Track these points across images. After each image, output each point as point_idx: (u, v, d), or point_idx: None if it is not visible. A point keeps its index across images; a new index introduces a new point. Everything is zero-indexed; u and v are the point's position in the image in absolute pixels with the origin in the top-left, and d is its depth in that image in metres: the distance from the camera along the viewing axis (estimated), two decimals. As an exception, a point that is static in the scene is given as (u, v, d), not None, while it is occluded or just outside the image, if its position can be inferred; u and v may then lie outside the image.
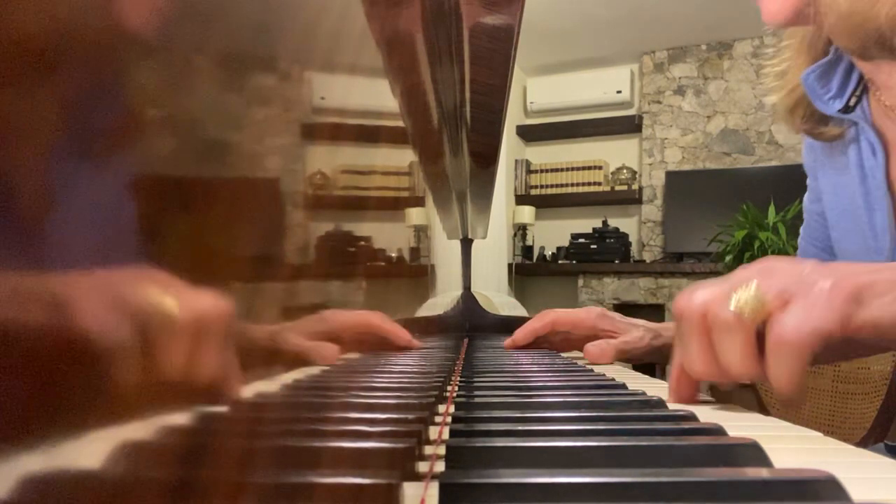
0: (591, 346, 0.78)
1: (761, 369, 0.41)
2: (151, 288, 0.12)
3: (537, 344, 0.88)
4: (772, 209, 3.18)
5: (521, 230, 4.22)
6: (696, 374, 0.44)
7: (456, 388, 0.49)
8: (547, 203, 4.29)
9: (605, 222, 4.08)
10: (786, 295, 0.40)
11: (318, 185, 0.27)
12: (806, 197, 0.85)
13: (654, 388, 0.56)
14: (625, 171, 4.16)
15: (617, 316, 0.83)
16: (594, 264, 3.98)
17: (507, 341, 0.88)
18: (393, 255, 0.58)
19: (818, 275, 0.41)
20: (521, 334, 0.87)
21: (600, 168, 4.19)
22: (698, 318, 0.43)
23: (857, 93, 0.69)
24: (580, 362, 0.74)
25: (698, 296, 0.43)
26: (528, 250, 4.25)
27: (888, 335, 0.40)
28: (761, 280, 0.41)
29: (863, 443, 1.39)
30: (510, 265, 4.10)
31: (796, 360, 0.39)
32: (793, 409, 0.40)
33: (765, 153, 3.85)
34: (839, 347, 0.42)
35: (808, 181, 0.83)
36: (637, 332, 0.80)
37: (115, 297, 0.11)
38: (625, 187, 4.13)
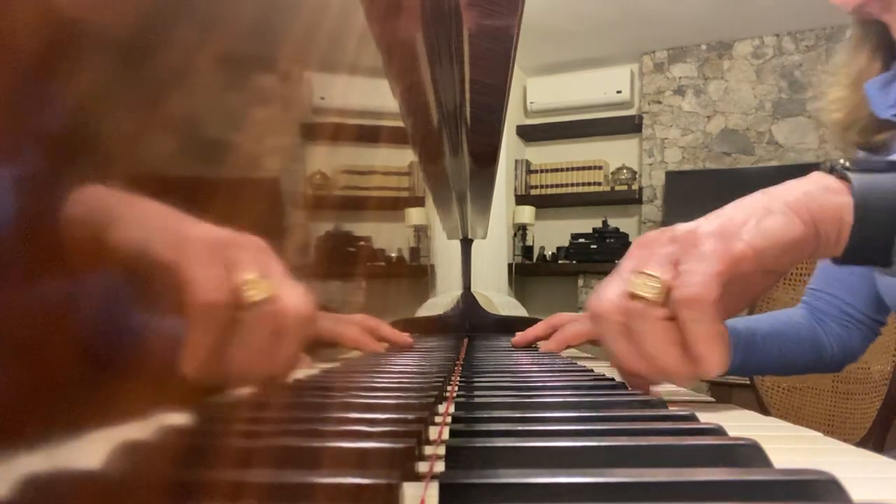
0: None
1: (684, 356, 0.41)
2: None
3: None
4: (772, 209, 3.18)
5: (521, 230, 4.22)
6: (629, 371, 0.44)
7: (456, 388, 0.49)
8: (547, 203, 4.28)
9: (605, 222, 4.08)
10: (671, 262, 0.41)
11: (318, 185, 0.27)
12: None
13: (654, 387, 0.56)
14: (625, 171, 4.16)
15: None
16: (594, 264, 3.98)
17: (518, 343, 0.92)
18: (393, 255, 0.58)
19: (685, 230, 0.42)
20: (552, 345, 0.89)
21: (600, 168, 4.18)
22: (613, 316, 0.43)
23: None
24: (580, 362, 0.74)
25: (605, 294, 0.44)
26: (528, 250, 4.25)
27: (765, 258, 0.41)
28: (646, 260, 0.42)
29: (863, 443, 1.39)
30: (510, 265, 4.10)
31: (707, 314, 0.39)
32: (717, 374, 0.40)
33: (765, 153, 3.85)
34: (740, 289, 0.43)
35: None
36: None
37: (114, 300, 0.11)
38: (625, 187, 4.13)
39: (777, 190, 0.43)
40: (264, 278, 0.13)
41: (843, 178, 0.43)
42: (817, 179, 0.44)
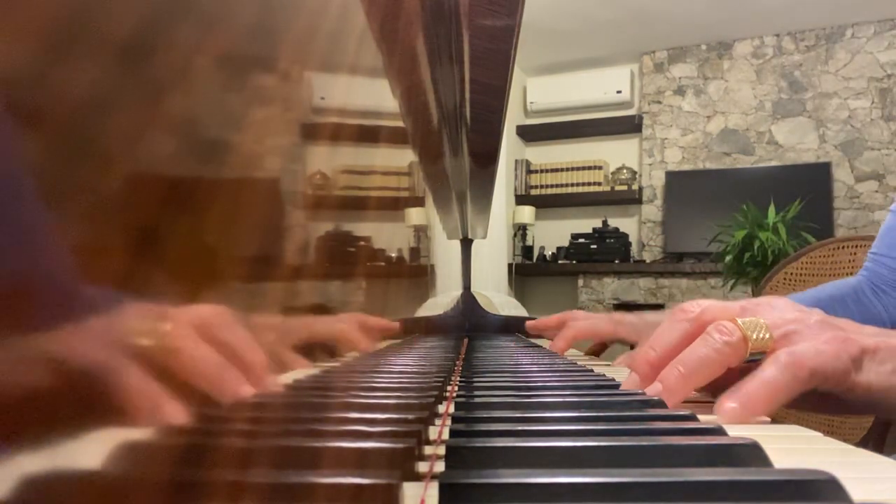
0: (623, 360, 0.77)
1: (713, 386, 0.41)
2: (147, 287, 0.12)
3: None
4: (772, 209, 3.18)
5: (521, 230, 4.22)
6: (655, 353, 0.44)
7: (456, 388, 0.49)
8: (547, 203, 4.29)
9: (605, 222, 4.08)
10: (791, 335, 0.40)
11: (318, 185, 0.27)
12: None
13: (654, 387, 0.56)
14: (625, 171, 4.16)
15: (634, 319, 0.83)
16: (594, 264, 3.98)
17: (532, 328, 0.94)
18: (393, 255, 0.58)
19: (826, 325, 0.41)
20: (561, 342, 0.88)
21: (600, 168, 4.19)
22: (697, 319, 0.43)
23: None
24: (580, 362, 0.74)
25: (707, 305, 0.43)
26: (528, 250, 4.25)
27: (875, 401, 0.40)
28: (770, 317, 0.41)
29: (863, 443, 1.39)
30: (510, 265, 4.10)
31: (789, 382, 0.38)
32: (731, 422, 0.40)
33: (765, 153, 3.85)
34: (818, 397, 0.42)
35: None
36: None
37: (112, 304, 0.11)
38: (625, 187, 4.13)
39: None
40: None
41: None
42: None
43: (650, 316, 0.85)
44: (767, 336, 0.40)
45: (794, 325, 0.41)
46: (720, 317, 0.42)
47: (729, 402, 0.38)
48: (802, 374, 0.38)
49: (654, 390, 0.42)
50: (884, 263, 0.84)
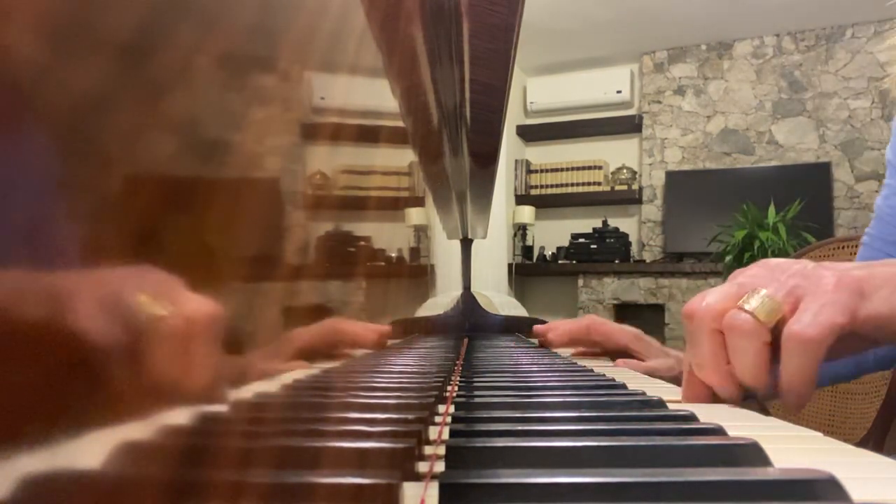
0: (622, 362, 0.79)
1: (771, 377, 0.41)
2: (145, 289, 0.12)
3: (570, 345, 0.91)
4: (772, 209, 3.19)
5: (521, 230, 4.22)
6: (707, 378, 0.43)
7: (456, 388, 0.49)
8: (547, 203, 4.29)
9: (605, 222, 4.08)
10: (795, 294, 0.41)
11: (318, 185, 0.27)
12: (885, 197, 0.82)
13: (655, 388, 0.56)
14: (625, 171, 4.16)
15: (653, 342, 0.83)
16: (594, 264, 3.98)
17: (541, 335, 0.92)
18: (393, 255, 0.58)
19: (820, 271, 0.42)
20: (555, 335, 0.89)
21: (600, 168, 4.19)
22: (710, 321, 0.43)
23: None
24: (580, 362, 0.74)
25: (711, 299, 0.43)
26: (528, 250, 4.25)
27: (886, 327, 0.41)
28: (768, 282, 0.42)
29: (863, 443, 1.39)
30: (510, 265, 4.10)
31: (812, 355, 0.39)
32: (794, 413, 0.42)
33: (765, 153, 3.85)
34: (845, 343, 0.42)
35: (889, 179, 0.81)
36: (668, 361, 0.80)
37: (111, 297, 0.11)
38: (625, 187, 4.13)
39: None
40: (156, 297, 0.13)
41: None
42: None
43: (656, 344, 0.85)
44: (776, 305, 0.41)
45: (794, 281, 0.42)
46: (725, 308, 0.42)
47: (786, 398, 0.40)
48: (815, 348, 0.39)
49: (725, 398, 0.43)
50: (881, 249, 0.83)
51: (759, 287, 0.42)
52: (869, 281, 0.41)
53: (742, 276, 0.44)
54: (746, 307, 0.41)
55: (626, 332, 0.84)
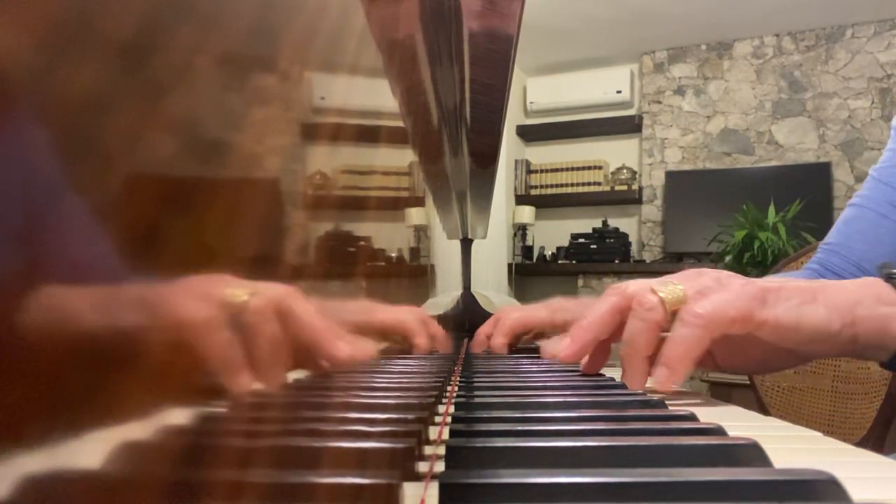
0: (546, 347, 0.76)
1: (651, 355, 0.45)
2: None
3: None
4: (772, 209, 3.19)
5: (521, 230, 4.22)
6: (578, 329, 0.49)
7: (456, 388, 0.49)
8: (547, 203, 4.29)
9: (605, 222, 4.08)
10: (703, 293, 0.45)
11: (318, 185, 0.27)
12: (884, 161, 0.85)
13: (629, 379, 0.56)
14: (625, 171, 4.16)
15: (573, 305, 0.80)
16: (594, 264, 3.98)
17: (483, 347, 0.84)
18: (393, 255, 0.58)
19: (733, 279, 0.46)
20: (499, 339, 0.82)
21: (600, 168, 4.19)
22: (619, 297, 0.48)
23: None
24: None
25: (631, 284, 0.49)
26: (528, 250, 4.25)
27: (787, 335, 0.44)
28: (683, 279, 0.47)
29: (863, 443, 1.39)
30: (510, 265, 4.10)
31: (698, 331, 0.43)
32: (664, 392, 0.46)
33: (765, 153, 3.85)
34: (743, 343, 0.47)
35: (893, 144, 0.84)
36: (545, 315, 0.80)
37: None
38: (625, 187, 4.13)
39: (833, 287, 0.45)
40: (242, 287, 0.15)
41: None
42: (872, 287, 0.45)
43: (588, 300, 0.83)
44: (682, 294, 0.46)
45: (707, 283, 0.46)
46: (642, 289, 0.47)
47: (658, 370, 0.44)
48: (703, 323, 0.43)
49: (631, 383, 0.47)
50: (835, 252, 0.85)
51: (675, 282, 0.47)
52: (776, 292, 0.44)
53: (671, 276, 0.49)
54: (659, 291, 0.46)
55: (546, 308, 0.80)
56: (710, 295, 0.44)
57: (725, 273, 0.47)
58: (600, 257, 3.97)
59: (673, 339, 0.44)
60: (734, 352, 0.49)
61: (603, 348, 0.51)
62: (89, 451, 0.10)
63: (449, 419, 0.35)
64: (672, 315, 0.45)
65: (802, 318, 0.43)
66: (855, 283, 0.46)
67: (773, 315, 0.43)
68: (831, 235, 0.89)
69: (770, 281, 0.45)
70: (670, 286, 0.46)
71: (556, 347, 0.51)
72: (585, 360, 0.51)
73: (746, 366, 0.49)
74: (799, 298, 0.44)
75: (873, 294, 0.45)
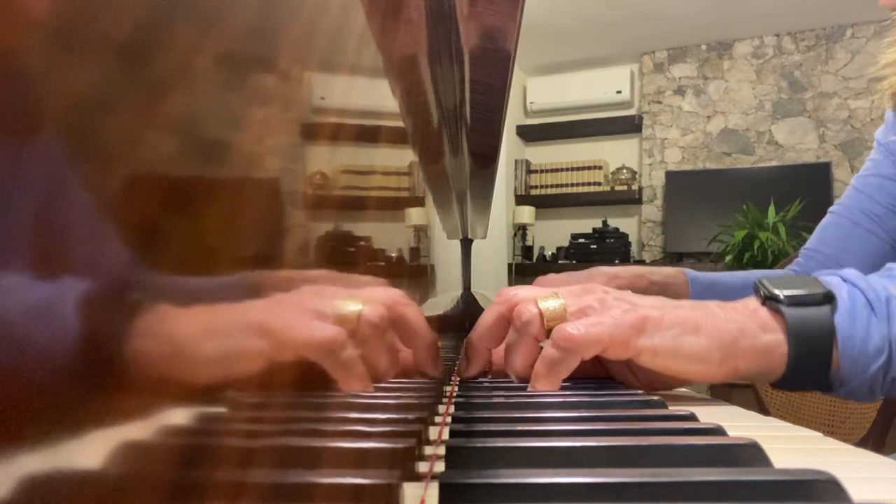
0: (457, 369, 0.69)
1: (527, 365, 0.47)
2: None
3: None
4: (772, 209, 3.19)
5: (521, 230, 4.22)
6: (473, 344, 0.51)
7: (456, 389, 0.49)
8: (547, 203, 4.29)
9: (605, 222, 4.08)
10: (584, 312, 0.46)
11: (318, 185, 0.27)
12: (864, 170, 0.90)
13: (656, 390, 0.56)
14: (625, 171, 4.16)
15: (562, 279, 0.81)
16: (594, 264, 3.96)
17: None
18: (393, 255, 0.58)
19: (618, 303, 0.47)
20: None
21: (600, 168, 4.18)
22: (504, 306, 0.49)
23: None
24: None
25: (521, 293, 0.50)
26: (528, 250, 4.25)
27: (665, 364, 0.45)
28: (573, 297, 0.48)
29: (863, 443, 1.39)
30: (510, 265, 4.10)
31: (566, 353, 0.44)
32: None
33: (765, 153, 3.85)
34: (623, 368, 0.50)
35: (877, 154, 0.89)
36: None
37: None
38: (625, 187, 4.13)
39: (715, 317, 0.46)
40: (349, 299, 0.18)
41: (778, 311, 0.45)
42: (753, 315, 0.46)
43: (575, 274, 0.83)
44: (562, 310, 0.46)
45: (589, 301, 0.47)
46: (526, 299, 0.48)
47: (535, 380, 0.46)
48: (571, 347, 0.44)
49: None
50: (813, 257, 0.88)
51: (562, 295, 0.47)
52: (657, 321, 0.45)
53: (561, 287, 0.50)
54: (540, 304, 0.47)
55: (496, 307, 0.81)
56: (590, 316, 0.46)
57: (615, 293, 0.48)
58: (600, 257, 3.97)
59: (542, 357, 0.45)
60: (627, 372, 0.50)
61: (492, 357, 0.53)
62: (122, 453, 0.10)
63: (449, 419, 0.35)
64: (549, 330, 0.46)
65: (680, 349, 0.44)
66: (736, 311, 0.46)
67: (650, 344, 0.44)
68: (810, 241, 0.91)
69: (655, 308, 0.46)
70: (552, 301, 0.47)
71: (460, 370, 0.53)
72: (475, 373, 0.52)
73: (637, 385, 0.50)
74: (680, 328, 0.45)
75: (756, 323, 0.45)
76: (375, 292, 0.38)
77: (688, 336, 0.45)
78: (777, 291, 0.45)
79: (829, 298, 0.44)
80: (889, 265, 0.48)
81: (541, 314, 0.46)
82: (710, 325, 0.45)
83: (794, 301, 0.44)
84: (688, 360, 0.44)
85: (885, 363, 0.43)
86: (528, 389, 0.46)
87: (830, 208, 0.91)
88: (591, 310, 0.46)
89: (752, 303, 0.47)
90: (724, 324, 0.45)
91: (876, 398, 0.45)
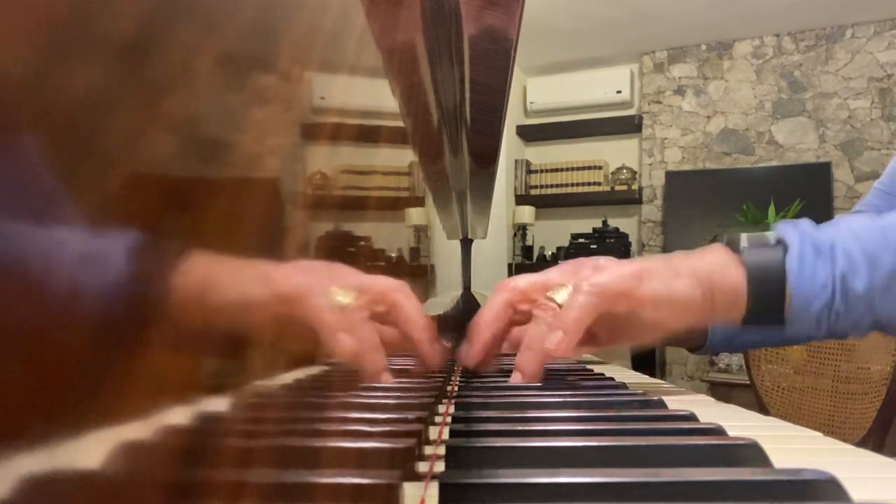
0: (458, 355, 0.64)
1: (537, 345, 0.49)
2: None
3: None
4: (772, 209, 3.18)
5: (521, 230, 4.22)
6: (478, 327, 0.53)
7: (456, 388, 0.49)
8: (547, 203, 4.28)
9: (605, 222, 4.08)
10: (576, 273, 0.50)
11: (318, 185, 0.27)
12: (884, 181, 0.89)
13: (656, 389, 0.56)
14: (625, 171, 4.16)
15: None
16: (594, 264, 3.97)
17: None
18: (393, 255, 0.58)
19: (611, 262, 0.51)
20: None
21: (600, 168, 4.18)
22: (511, 294, 0.52)
23: None
24: (580, 362, 0.74)
25: (521, 282, 0.53)
26: (528, 250, 4.25)
27: (664, 308, 0.49)
28: (569, 277, 0.50)
29: (863, 443, 1.39)
30: (510, 265, 4.10)
31: (591, 300, 0.48)
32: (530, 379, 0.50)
33: (765, 153, 3.85)
34: (621, 320, 0.51)
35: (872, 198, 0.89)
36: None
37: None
38: (625, 187, 4.13)
39: (688, 260, 0.51)
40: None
41: (737, 251, 0.51)
42: (719, 255, 0.51)
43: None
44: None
45: (588, 272, 0.50)
46: (529, 285, 0.52)
47: (553, 334, 0.48)
48: (598, 291, 0.48)
49: (515, 379, 0.50)
50: (890, 195, 0.89)
51: (563, 283, 0.51)
52: (649, 271, 0.50)
53: (553, 270, 0.53)
54: (556, 298, 0.50)
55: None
56: (575, 295, 0.49)
57: (603, 259, 0.52)
58: (600, 257, 3.96)
59: (570, 305, 0.48)
60: (614, 333, 0.53)
61: (496, 343, 0.55)
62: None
63: (449, 419, 0.35)
64: None
65: (673, 293, 0.49)
66: (703, 254, 0.52)
67: (651, 290, 0.49)
68: (886, 175, 0.90)
69: (643, 261, 0.51)
70: (561, 291, 0.50)
71: (461, 352, 0.54)
72: (479, 356, 0.53)
73: (622, 342, 0.54)
74: (666, 275, 0.50)
75: (720, 261, 0.51)
76: (374, 278, 0.39)
77: (674, 280, 0.49)
78: (736, 237, 0.51)
79: (780, 243, 0.50)
80: (838, 216, 0.54)
81: (559, 306, 0.49)
82: (686, 266, 0.50)
83: (751, 243, 0.51)
84: (682, 304, 0.49)
85: (831, 298, 0.49)
86: (552, 340, 0.48)
87: (874, 186, 0.91)
88: (593, 275, 0.50)
89: (716, 246, 0.53)
90: (696, 264, 0.51)
91: (822, 334, 0.51)
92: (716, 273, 0.50)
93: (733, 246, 0.51)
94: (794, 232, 0.51)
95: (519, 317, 0.53)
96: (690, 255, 0.51)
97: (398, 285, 0.42)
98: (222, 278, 0.16)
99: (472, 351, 0.53)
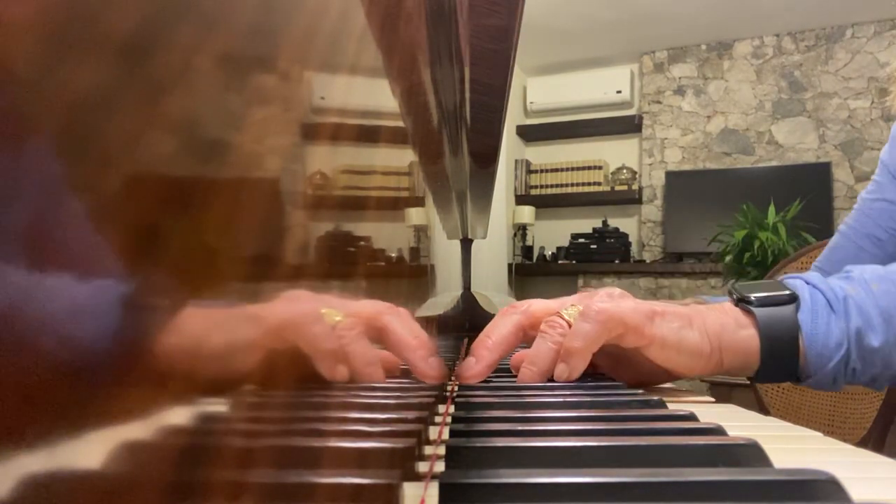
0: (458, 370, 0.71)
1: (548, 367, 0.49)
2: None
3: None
4: (772, 209, 3.18)
5: (521, 230, 4.22)
6: (482, 344, 0.52)
7: (456, 388, 0.49)
8: (547, 203, 4.28)
9: (605, 222, 4.08)
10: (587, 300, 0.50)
11: (318, 185, 0.27)
12: (870, 192, 0.92)
13: (655, 389, 0.56)
14: (625, 171, 4.16)
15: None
16: (594, 264, 3.98)
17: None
18: (393, 255, 0.58)
19: (626, 297, 0.51)
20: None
21: (600, 168, 4.18)
22: (524, 316, 0.52)
23: None
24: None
25: (535, 305, 0.52)
26: (528, 250, 4.25)
27: (670, 355, 0.48)
28: (583, 301, 0.50)
29: (863, 443, 1.39)
30: (510, 265, 4.10)
31: (595, 328, 0.47)
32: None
33: (765, 153, 3.85)
34: (627, 358, 0.52)
35: (882, 177, 0.91)
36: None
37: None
38: (625, 187, 4.13)
39: (702, 315, 0.51)
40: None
41: (749, 312, 0.50)
42: (730, 313, 0.51)
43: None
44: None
45: (601, 298, 0.50)
46: (544, 311, 0.51)
47: (559, 366, 0.48)
48: (604, 319, 0.47)
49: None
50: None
51: (571, 301, 0.51)
52: (662, 315, 0.49)
53: (570, 298, 0.53)
54: (564, 314, 0.50)
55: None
56: (581, 323, 0.49)
57: (618, 291, 0.52)
58: (600, 257, 3.97)
59: (574, 332, 0.48)
60: (618, 366, 0.53)
61: (499, 362, 0.55)
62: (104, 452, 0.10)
63: (449, 419, 0.35)
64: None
65: (683, 341, 0.48)
66: (716, 311, 0.51)
67: (660, 333, 0.48)
68: (819, 259, 0.97)
69: (656, 303, 0.50)
70: (572, 309, 0.50)
71: (463, 368, 0.53)
72: (481, 378, 0.52)
73: (625, 379, 0.53)
74: (679, 322, 0.49)
75: (732, 320, 0.50)
76: (361, 303, 0.38)
77: (686, 329, 0.49)
78: (747, 294, 0.50)
79: (793, 299, 0.50)
80: (848, 267, 0.53)
81: (569, 324, 0.49)
82: (699, 320, 0.50)
83: (763, 302, 0.50)
84: (688, 354, 0.48)
85: (846, 355, 0.48)
86: (558, 372, 0.48)
87: (839, 227, 0.97)
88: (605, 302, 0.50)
89: (727, 304, 0.52)
90: (709, 320, 0.50)
91: (840, 387, 0.50)
92: (727, 333, 0.49)
93: (744, 301, 0.51)
94: (806, 287, 0.50)
95: (527, 341, 0.53)
96: (703, 311, 0.51)
97: (386, 308, 0.41)
98: (211, 331, 0.16)
99: (475, 371, 0.52)
